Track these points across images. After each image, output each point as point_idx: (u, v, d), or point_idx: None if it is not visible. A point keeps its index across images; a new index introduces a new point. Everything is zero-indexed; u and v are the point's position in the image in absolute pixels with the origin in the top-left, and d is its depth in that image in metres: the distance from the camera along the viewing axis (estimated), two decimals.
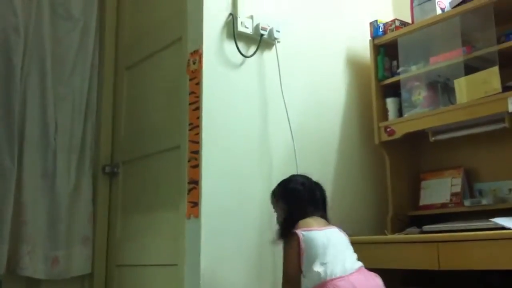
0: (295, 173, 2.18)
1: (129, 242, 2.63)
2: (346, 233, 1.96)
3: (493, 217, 1.98)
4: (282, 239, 1.91)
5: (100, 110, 2.87)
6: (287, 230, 1.89)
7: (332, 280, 1.74)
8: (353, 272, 1.78)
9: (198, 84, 2.22)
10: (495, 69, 2.19)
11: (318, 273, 1.76)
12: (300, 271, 1.81)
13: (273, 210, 2.04)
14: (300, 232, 1.84)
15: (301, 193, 1.97)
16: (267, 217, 2.27)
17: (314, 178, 2.44)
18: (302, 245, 1.81)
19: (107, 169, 2.81)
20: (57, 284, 2.57)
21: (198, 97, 2.21)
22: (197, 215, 2.11)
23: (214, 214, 2.13)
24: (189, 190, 2.17)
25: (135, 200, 2.66)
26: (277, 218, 2.00)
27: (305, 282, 1.80)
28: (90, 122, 2.81)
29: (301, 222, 1.88)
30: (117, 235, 2.72)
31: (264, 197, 2.28)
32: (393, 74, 2.63)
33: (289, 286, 1.85)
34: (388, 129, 2.55)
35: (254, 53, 2.36)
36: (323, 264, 1.78)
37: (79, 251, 2.63)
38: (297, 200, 1.96)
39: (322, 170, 2.52)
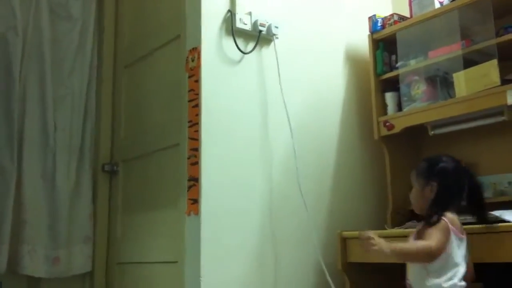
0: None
1: (130, 240, 2.63)
2: (346, 228, 1.94)
3: (493, 210, 1.98)
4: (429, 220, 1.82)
5: (100, 109, 2.87)
6: (436, 214, 1.81)
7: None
8: None
9: (197, 81, 2.22)
10: (494, 62, 2.18)
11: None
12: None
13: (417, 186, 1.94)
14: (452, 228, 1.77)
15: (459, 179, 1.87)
16: (267, 213, 2.27)
17: (314, 173, 2.47)
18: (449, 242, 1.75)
19: (107, 168, 2.81)
20: (58, 283, 2.58)
21: (197, 94, 2.21)
22: (197, 212, 2.11)
23: (214, 211, 2.13)
24: (189, 187, 2.17)
25: (135, 198, 2.67)
26: (423, 196, 1.91)
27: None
28: (89, 121, 2.81)
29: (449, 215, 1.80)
30: (117, 233, 2.73)
31: (265, 193, 2.29)
32: (392, 68, 2.63)
33: (428, 259, 1.74)
34: (387, 124, 2.55)
35: (253, 49, 2.36)
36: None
37: (80, 249, 2.63)
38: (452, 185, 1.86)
39: (321, 165, 2.53)
